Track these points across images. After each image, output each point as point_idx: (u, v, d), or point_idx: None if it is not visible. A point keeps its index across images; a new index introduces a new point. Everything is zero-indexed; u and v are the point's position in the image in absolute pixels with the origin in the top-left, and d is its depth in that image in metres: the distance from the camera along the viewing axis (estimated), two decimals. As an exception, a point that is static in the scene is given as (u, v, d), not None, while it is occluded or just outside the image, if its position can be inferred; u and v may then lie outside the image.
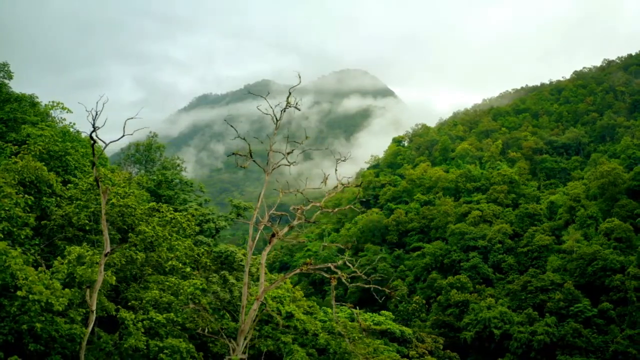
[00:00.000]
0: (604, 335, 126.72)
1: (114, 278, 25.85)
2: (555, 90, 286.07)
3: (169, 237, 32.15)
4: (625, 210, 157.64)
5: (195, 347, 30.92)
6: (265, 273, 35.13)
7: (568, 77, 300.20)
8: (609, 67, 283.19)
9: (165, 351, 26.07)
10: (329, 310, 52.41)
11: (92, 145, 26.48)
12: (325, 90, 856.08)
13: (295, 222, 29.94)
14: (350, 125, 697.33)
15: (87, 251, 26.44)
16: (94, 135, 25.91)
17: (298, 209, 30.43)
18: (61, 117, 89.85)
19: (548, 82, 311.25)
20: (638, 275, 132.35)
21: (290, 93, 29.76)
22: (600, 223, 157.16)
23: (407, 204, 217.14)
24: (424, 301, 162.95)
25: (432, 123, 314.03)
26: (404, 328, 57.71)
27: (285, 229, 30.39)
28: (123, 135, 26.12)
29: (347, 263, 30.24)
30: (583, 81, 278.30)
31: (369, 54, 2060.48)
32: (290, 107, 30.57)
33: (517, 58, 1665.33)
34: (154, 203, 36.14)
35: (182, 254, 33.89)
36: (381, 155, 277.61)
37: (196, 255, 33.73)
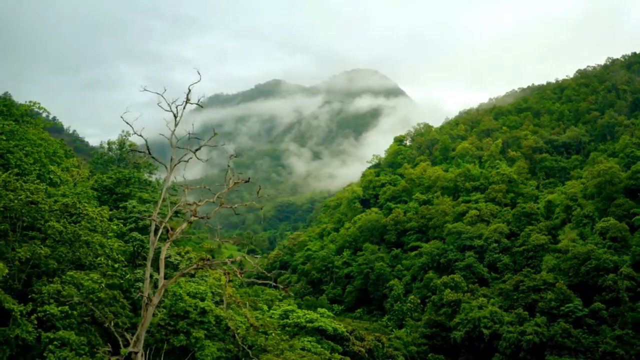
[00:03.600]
0: (594, 335, 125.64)
1: (7, 270, 26.26)
2: (558, 89, 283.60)
3: (80, 233, 32.51)
4: (621, 210, 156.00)
5: (109, 341, 31.22)
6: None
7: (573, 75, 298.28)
8: (612, 65, 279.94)
9: (55, 342, 26.49)
10: (265, 307, 52.64)
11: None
12: (336, 90, 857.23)
13: (192, 219, 30.12)
14: (360, 124, 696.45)
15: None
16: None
17: (192, 204, 30.59)
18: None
19: (554, 81, 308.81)
20: (631, 275, 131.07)
21: (189, 90, 29.92)
22: (597, 222, 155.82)
23: (406, 204, 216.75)
24: (419, 301, 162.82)
25: (440, 122, 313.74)
26: (338, 326, 57.37)
27: (184, 225, 30.56)
28: None
29: (247, 258, 30.38)
30: (586, 80, 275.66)
31: (379, 53, 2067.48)
32: (190, 103, 30.67)
33: (526, 57, 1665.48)
34: (68, 199, 36.59)
35: (108, 250, 34.29)
36: (384, 154, 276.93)
37: (108, 251, 34.11)
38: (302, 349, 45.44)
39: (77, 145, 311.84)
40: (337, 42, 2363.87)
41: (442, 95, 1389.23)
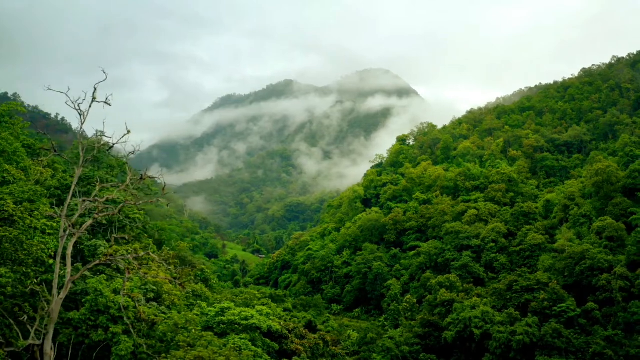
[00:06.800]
0: (587, 336, 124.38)
1: None
2: (562, 87, 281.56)
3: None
4: (619, 209, 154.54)
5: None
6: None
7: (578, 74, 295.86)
8: (617, 64, 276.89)
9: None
10: (203, 304, 52.88)
11: None
12: (348, 90, 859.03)
13: (97, 215, 30.56)
14: (370, 124, 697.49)
15: None
16: None
17: (94, 200, 31.03)
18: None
19: (561, 80, 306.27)
20: (625, 275, 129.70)
21: (95, 89, 30.28)
22: (594, 222, 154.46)
23: (406, 203, 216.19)
24: (415, 300, 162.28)
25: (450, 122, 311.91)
26: (273, 324, 57.24)
27: (89, 222, 31.00)
28: None
29: (151, 254, 30.73)
30: (590, 78, 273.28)
31: (391, 53, 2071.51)
32: (97, 102, 31.02)
33: (541, 56, 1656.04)
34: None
35: (27, 246, 34.86)
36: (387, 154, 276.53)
37: (27, 247, 34.64)
38: (224, 345, 45.76)
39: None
40: (350, 41, 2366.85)
41: (454, 95, 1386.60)
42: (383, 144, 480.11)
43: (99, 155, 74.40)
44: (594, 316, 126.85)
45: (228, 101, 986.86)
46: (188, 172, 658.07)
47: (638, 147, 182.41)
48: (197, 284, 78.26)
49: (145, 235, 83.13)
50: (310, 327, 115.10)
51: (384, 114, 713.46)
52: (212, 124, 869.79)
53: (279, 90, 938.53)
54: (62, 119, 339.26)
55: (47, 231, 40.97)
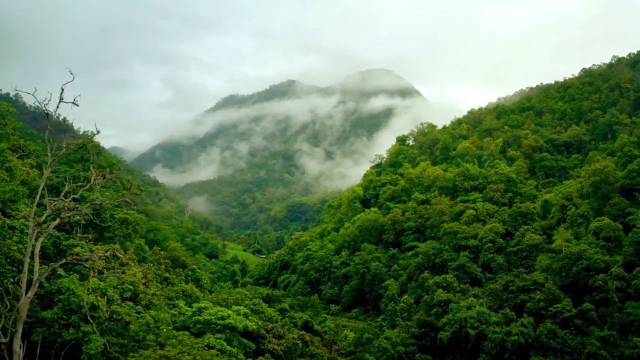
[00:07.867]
0: (582, 336, 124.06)
1: None
2: (562, 87, 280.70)
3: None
4: (616, 209, 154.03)
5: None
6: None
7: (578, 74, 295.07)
8: (618, 64, 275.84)
9: None
10: (181, 303, 52.97)
11: None
12: (351, 90, 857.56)
13: (64, 214, 30.68)
14: (373, 124, 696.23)
15: None
16: None
17: (59, 200, 31.12)
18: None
19: (561, 80, 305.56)
20: (621, 275, 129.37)
21: (62, 89, 30.34)
22: (591, 222, 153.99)
23: (405, 203, 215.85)
24: (412, 301, 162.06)
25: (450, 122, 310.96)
26: (250, 323, 57.02)
27: (56, 222, 31.11)
28: None
29: (117, 253, 30.82)
30: (590, 78, 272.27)
31: (393, 53, 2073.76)
32: (65, 102, 31.10)
33: (542, 55, 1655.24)
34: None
35: None
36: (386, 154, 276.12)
37: (1, 248, 34.88)
38: (207, 345, 45.88)
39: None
40: (350, 41, 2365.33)
41: (456, 95, 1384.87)
42: (385, 144, 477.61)
43: (87, 155, 74.59)
44: (589, 317, 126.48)
45: (231, 101, 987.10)
46: (190, 173, 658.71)
47: (636, 147, 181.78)
48: (187, 283, 78.33)
49: (137, 235, 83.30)
50: (307, 327, 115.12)
51: (387, 114, 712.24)
52: (214, 124, 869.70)
53: (282, 91, 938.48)
54: (64, 119, 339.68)
55: (26, 231, 41.20)
